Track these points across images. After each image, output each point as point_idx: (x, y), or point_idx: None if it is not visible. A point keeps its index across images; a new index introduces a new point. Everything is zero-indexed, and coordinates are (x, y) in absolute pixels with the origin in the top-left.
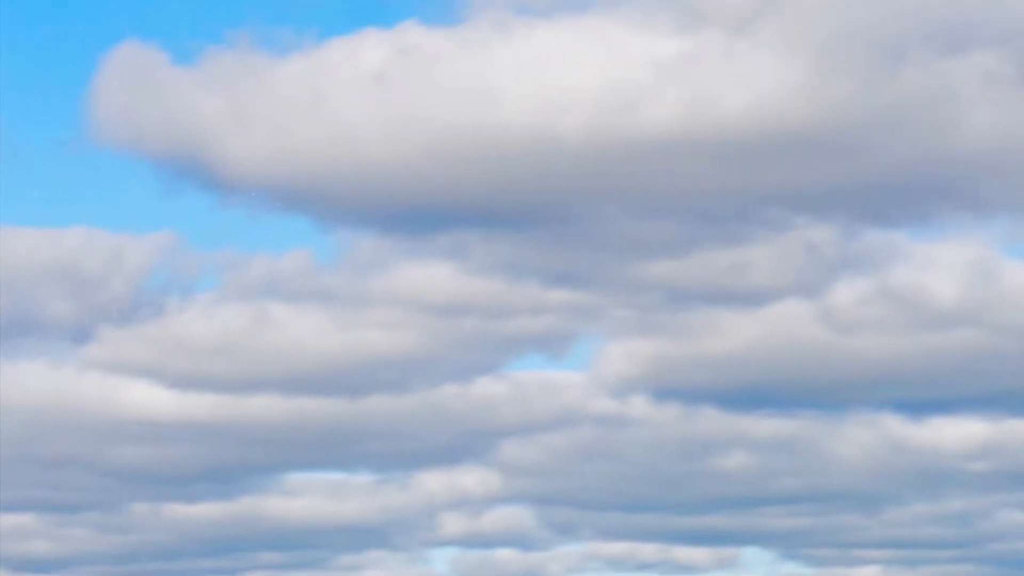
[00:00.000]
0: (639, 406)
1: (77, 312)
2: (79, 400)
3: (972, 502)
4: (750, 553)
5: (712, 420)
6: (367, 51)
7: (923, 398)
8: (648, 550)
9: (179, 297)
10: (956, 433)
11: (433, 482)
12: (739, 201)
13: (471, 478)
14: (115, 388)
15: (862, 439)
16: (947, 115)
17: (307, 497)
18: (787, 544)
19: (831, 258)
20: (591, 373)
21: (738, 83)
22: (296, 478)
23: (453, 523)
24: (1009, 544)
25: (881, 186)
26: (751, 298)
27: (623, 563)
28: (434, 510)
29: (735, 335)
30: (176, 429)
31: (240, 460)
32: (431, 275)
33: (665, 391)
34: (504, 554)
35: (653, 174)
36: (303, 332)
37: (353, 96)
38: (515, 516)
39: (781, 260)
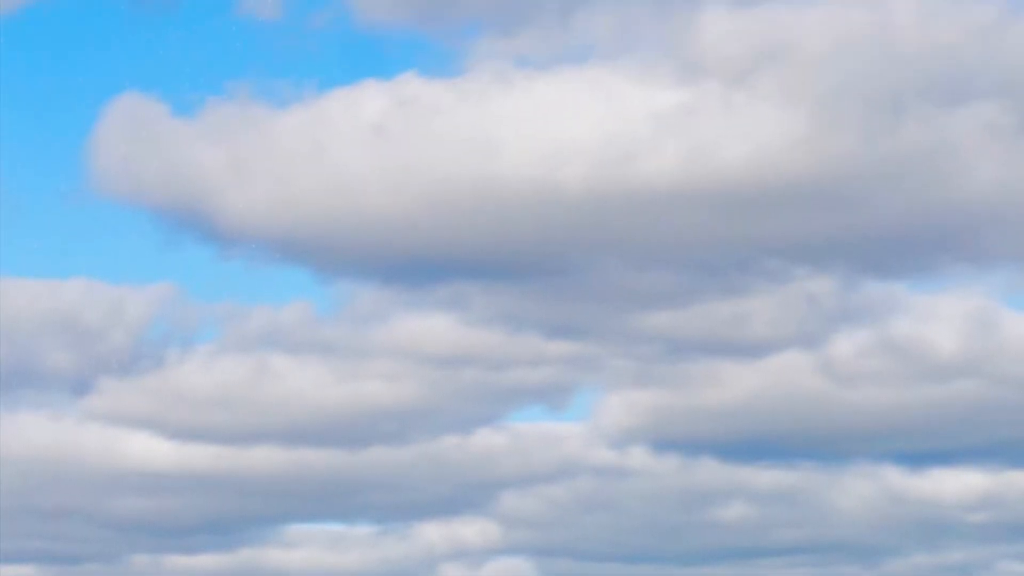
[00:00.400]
0: (639, 457)
1: (77, 363)
2: (79, 451)
3: (972, 553)
4: None
5: (712, 471)
6: (367, 102)
7: (923, 449)
8: None
9: (179, 348)
10: (956, 484)
11: (433, 533)
12: (739, 252)
13: (471, 529)
14: (115, 439)
15: (862, 490)
16: (947, 166)
17: (307, 548)
18: None
19: (831, 309)
20: (591, 424)
21: (737, 135)
22: (296, 529)
23: (453, 574)
24: None
25: (881, 238)
26: (751, 349)
27: None
28: (434, 561)
29: (735, 386)
30: (176, 480)
31: (240, 511)
32: (431, 326)
33: (665, 442)
34: None
35: (653, 225)
36: (303, 383)
37: (353, 147)
38: (515, 567)
39: (781, 311)
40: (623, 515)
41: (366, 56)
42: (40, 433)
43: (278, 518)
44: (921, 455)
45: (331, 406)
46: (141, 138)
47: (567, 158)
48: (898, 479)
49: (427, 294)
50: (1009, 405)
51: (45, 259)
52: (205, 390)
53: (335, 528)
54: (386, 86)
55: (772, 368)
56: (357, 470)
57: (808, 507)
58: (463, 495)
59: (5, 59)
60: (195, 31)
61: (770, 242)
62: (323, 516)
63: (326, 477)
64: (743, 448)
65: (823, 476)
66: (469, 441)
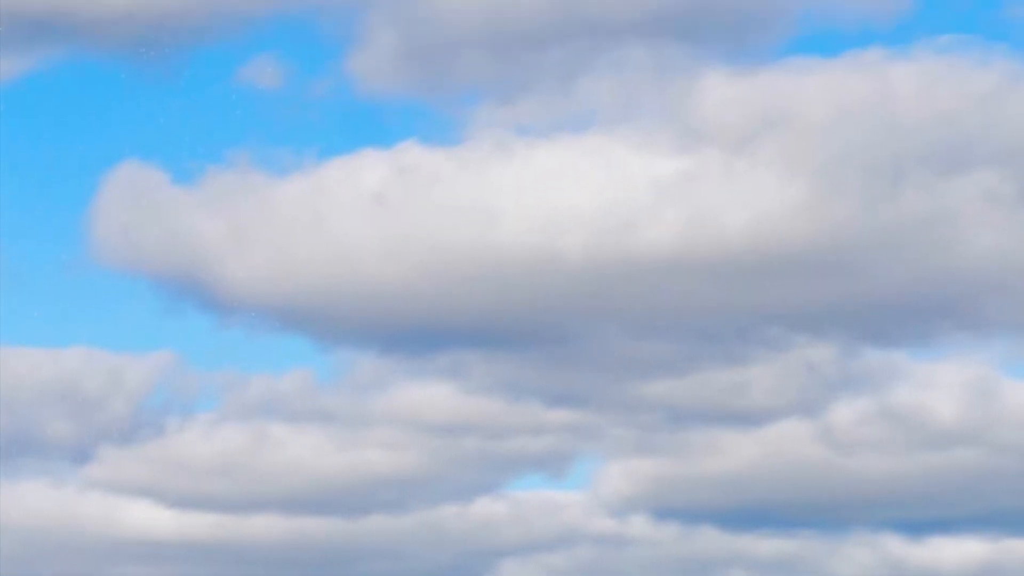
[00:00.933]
0: (639, 525)
1: (77, 432)
2: (79, 520)
3: None
4: None
5: (712, 539)
6: (367, 171)
7: (923, 518)
8: None
9: (179, 417)
10: (956, 553)
11: None
12: (738, 320)
13: None
14: (115, 508)
15: (862, 558)
16: (947, 235)
17: None
18: None
19: (831, 377)
20: (591, 492)
21: (738, 203)
22: None
23: None
24: None
25: (881, 306)
26: (751, 417)
27: None
28: None
29: (735, 454)
30: (176, 549)
31: None
32: (431, 395)
33: (665, 510)
34: None
35: (652, 293)
36: (303, 452)
37: (353, 216)
38: None
39: (781, 379)
40: None
41: (366, 124)
42: (40, 502)
43: None
44: (921, 523)
45: (331, 474)
46: (141, 206)
47: (567, 226)
48: (898, 547)
49: (427, 362)
50: (1009, 473)
51: (45, 328)
52: (205, 458)
53: None
54: (386, 154)
55: (772, 436)
56: (357, 538)
57: (808, 575)
58: (463, 564)
59: (4, 127)
60: (195, 99)
61: (770, 310)
62: None
63: (326, 545)
64: (743, 516)
65: (823, 544)
66: (469, 510)
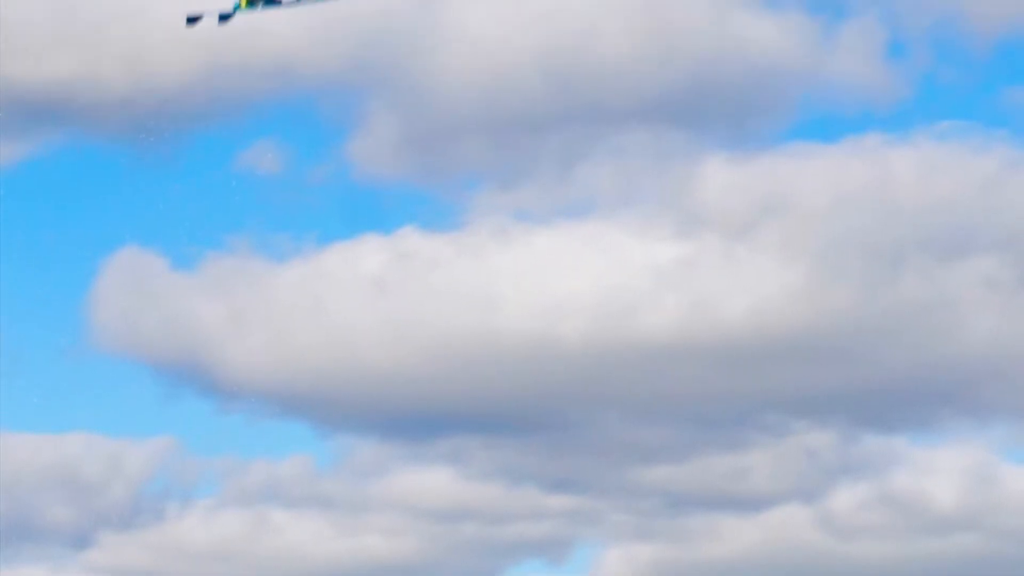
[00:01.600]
0: None
1: (77, 517)
2: None
3: None
4: None
5: None
6: (366, 256)
7: None
8: None
9: (179, 502)
10: None
11: None
12: (738, 406)
13: None
14: None
15: None
16: (946, 320)
17: None
18: None
19: (830, 463)
20: None
21: (737, 288)
22: None
23: None
24: None
25: (880, 391)
26: (750, 503)
27: None
28: None
29: (735, 540)
30: None
31: None
32: (430, 480)
33: None
34: None
35: (652, 379)
36: (303, 538)
37: (352, 301)
38: None
39: (780, 465)
40: None
41: (365, 210)
42: None
43: None
44: None
45: (331, 560)
46: (141, 292)
47: (567, 312)
48: None
49: (427, 448)
50: (1009, 559)
51: (45, 413)
52: (205, 544)
53: None
54: (385, 240)
55: (772, 522)
56: None
57: None
58: None
59: (5, 212)
60: (194, 184)
61: (769, 396)
62: None
63: None
64: None
65: None
66: None
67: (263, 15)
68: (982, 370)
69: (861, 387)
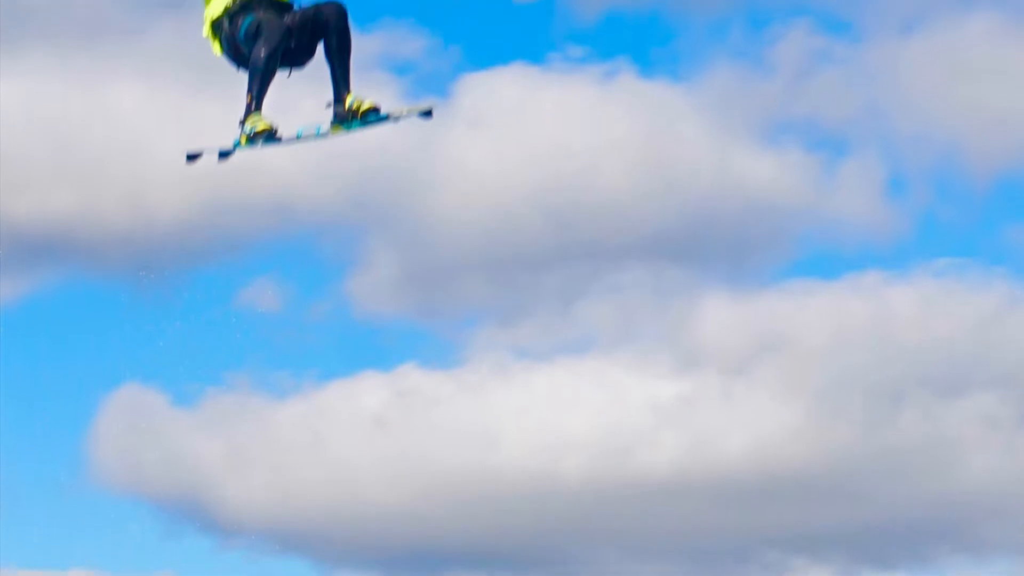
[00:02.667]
0: None
1: None
2: None
3: None
4: None
5: None
6: (366, 394)
7: None
8: None
9: None
10: None
11: None
12: (738, 543)
13: None
14: None
15: None
16: (946, 458)
17: None
18: None
19: None
20: None
21: (737, 425)
22: None
23: None
24: None
25: (880, 529)
26: None
27: None
28: None
29: None
30: None
31: None
32: None
33: None
34: None
35: (652, 516)
36: None
37: (353, 438)
38: None
39: None
40: None
41: (365, 347)
42: None
43: None
44: None
45: None
46: (141, 429)
47: (566, 450)
48: None
49: None
50: None
51: (46, 550)
52: None
53: None
54: (385, 377)
55: None
56: None
57: None
58: None
59: (4, 350)
60: (195, 322)
61: (769, 533)
62: None
63: None
64: None
65: None
66: None
67: (263, 152)
68: (981, 508)
69: (860, 524)
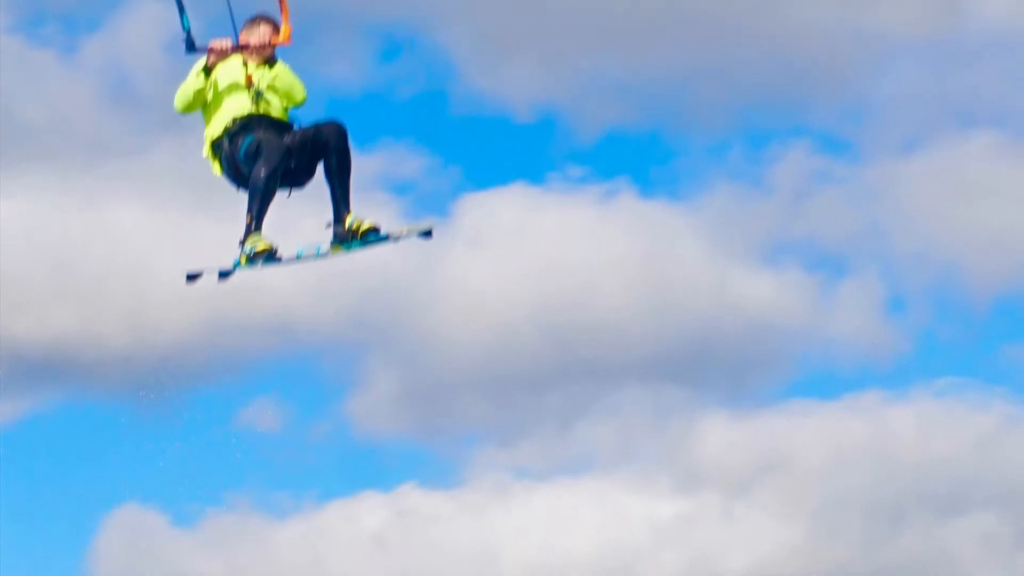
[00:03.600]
0: None
1: None
2: None
3: None
4: None
5: None
6: (366, 514)
7: None
8: None
9: None
10: None
11: None
12: None
13: None
14: None
15: None
16: None
17: None
18: None
19: None
20: None
21: (736, 545)
22: None
23: None
24: None
25: None
26: None
27: None
28: None
29: None
30: None
31: None
32: None
33: None
34: None
35: None
36: None
37: (353, 559)
38: None
39: None
40: None
41: (365, 468)
42: None
43: None
44: None
45: None
46: (141, 549)
47: (567, 569)
48: None
49: None
50: None
51: None
52: None
53: None
54: (385, 497)
55: None
56: None
57: None
58: None
59: (3, 469)
60: (195, 443)
61: None
62: None
63: None
64: None
65: None
66: None
67: (263, 272)
68: None
69: None
